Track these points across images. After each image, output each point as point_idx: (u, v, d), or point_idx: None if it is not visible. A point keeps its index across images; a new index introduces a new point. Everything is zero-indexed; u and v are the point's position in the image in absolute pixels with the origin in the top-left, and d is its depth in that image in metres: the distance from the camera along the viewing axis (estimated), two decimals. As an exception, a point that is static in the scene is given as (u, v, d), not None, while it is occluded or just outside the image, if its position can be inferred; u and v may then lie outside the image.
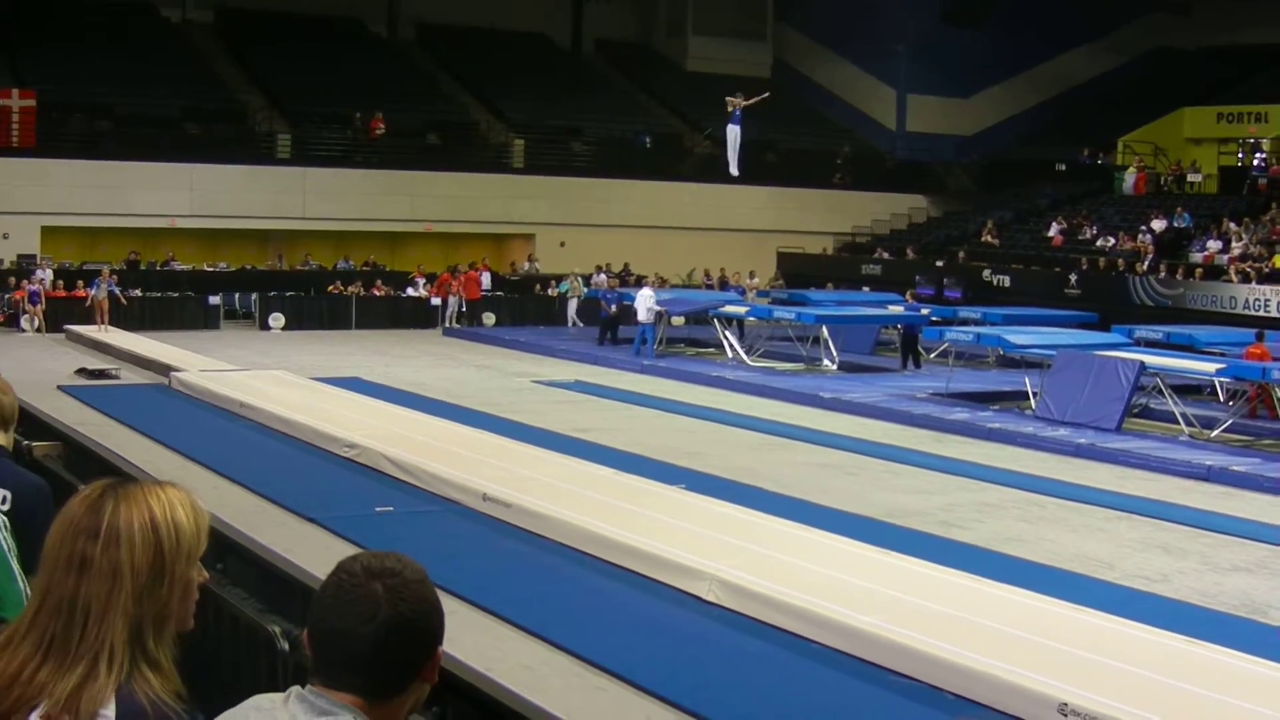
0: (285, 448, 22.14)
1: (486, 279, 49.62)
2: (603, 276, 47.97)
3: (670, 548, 14.94)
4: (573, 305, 48.41)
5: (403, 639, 3.11)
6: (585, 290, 48.78)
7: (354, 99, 53.03)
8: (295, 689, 3.17)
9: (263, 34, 56.31)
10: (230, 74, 55.45)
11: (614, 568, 15.02)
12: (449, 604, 12.70)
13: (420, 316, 47.09)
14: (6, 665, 3.29)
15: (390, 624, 3.08)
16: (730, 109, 42.44)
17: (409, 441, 21.27)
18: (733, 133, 42.34)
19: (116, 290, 41.85)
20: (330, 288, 47.76)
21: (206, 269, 48.60)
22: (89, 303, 40.70)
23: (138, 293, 44.25)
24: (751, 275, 50.72)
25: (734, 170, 42.73)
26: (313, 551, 14.41)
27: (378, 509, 17.64)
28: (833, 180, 60.19)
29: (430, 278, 48.34)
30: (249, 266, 49.55)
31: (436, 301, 47.29)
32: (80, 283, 43.36)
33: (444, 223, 51.88)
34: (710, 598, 13.82)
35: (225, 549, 15.31)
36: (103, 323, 39.63)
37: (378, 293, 47.88)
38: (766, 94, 43.24)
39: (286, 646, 7.93)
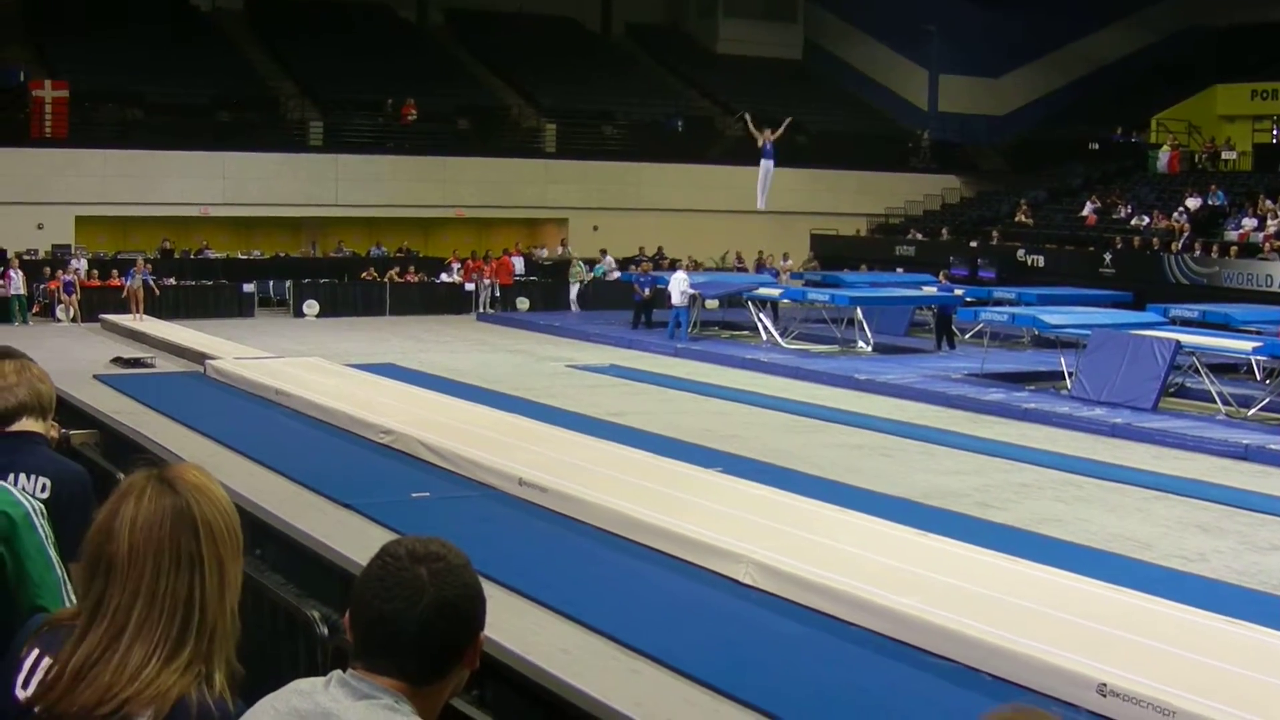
0: (321, 434, 22.18)
1: (520, 264, 49.64)
2: (632, 266, 47.86)
3: (706, 530, 14.94)
4: (574, 290, 48.22)
5: (446, 624, 3.12)
6: (589, 275, 48.72)
7: (385, 85, 53.07)
8: (336, 673, 3.18)
9: (293, 21, 56.36)
10: (261, 62, 55.51)
11: (650, 551, 15.03)
12: (485, 588, 12.75)
13: (454, 302, 47.11)
14: (119, 668, 3.31)
15: (434, 609, 3.09)
16: (761, 144, 42.30)
17: (444, 427, 21.29)
18: (765, 167, 42.19)
19: (151, 280, 41.53)
20: (364, 274, 47.83)
21: (240, 257, 48.70)
22: (124, 293, 40.62)
23: (172, 281, 44.38)
24: (785, 257, 50.67)
25: (761, 204, 42.62)
26: (350, 537, 14.44)
27: (414, 494, 17.66)
28: (910, 164, 60.31)
29: (465, 262, 48.41)
30: (282, 254, 49.61)
31: (470, 287, 47.32)
32: (115, 272, 43.49)
33: (476, 208, 51.89)
34: (746, 580, 13.82)
35: (263, 535, 15.37)
36: (138, 312, 39.34)
37: (411, 279, 47.92)
38: (790, 119, 43.01)
39: (325, 631, 7.95)
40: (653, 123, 58.17)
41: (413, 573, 3.11)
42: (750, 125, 43.10)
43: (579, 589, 13.72)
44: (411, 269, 48.49)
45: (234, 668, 3.50)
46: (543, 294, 48.61)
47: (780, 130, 41.99)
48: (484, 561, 12.98)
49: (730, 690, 10.93)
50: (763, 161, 42.20)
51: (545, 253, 52.43)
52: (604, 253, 51.11)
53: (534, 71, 58.31)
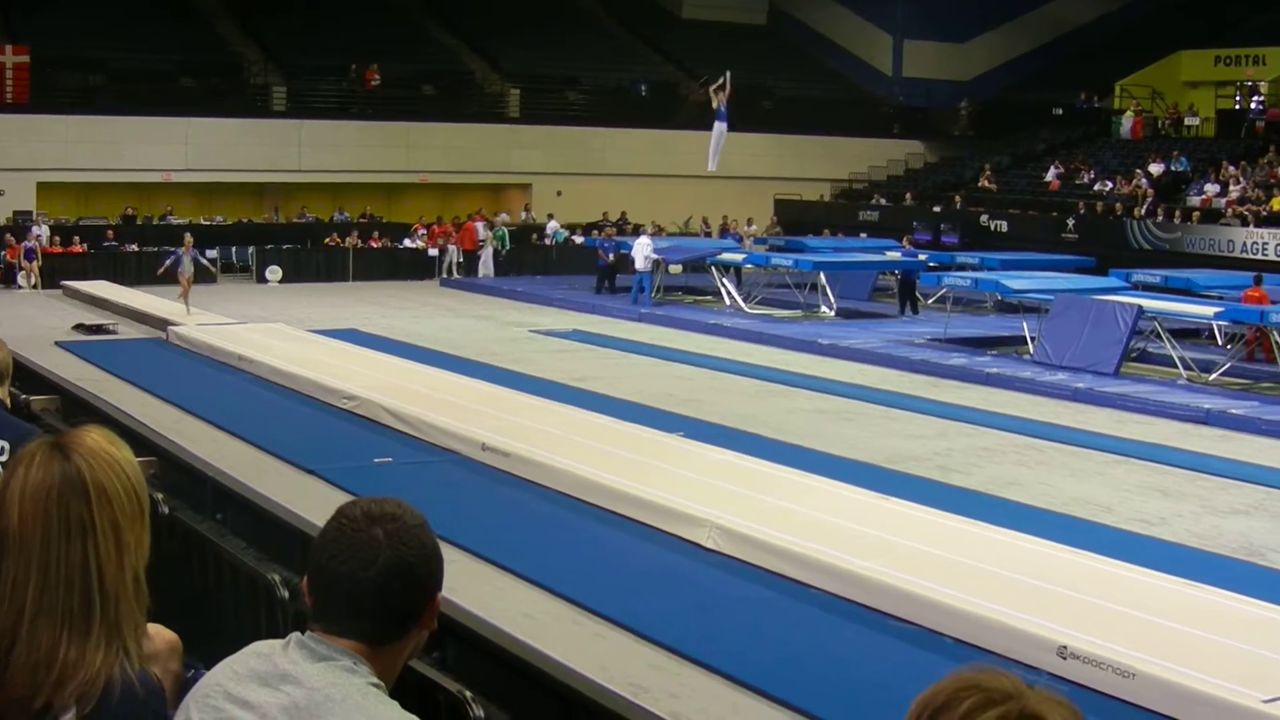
0: (284, 400, 22.17)
1: (483, 229, 49.55)
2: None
3: (669, 495, 14.99)
4: (486, 254, 48.02)
5: (403, 584, 3.10)
6: (507, 243, 48.41)
7: (349, 51, 52.84)
8: (295, 635, 3.17)
9: (258, -14, 56.18)
10: (224, 27, 55.23)
11: (613, 516, 15.07)
12: (449, 553, 12.72)
13: (417, 268, 47.02)
14: (33, 650, 3.20)
15: (390, 569, 3.07)
16: (715, 106, 42.24)
17: (407, 392, 21.30)
18: (718, 129, 42.13)
19: (201, 259, 37.15)
20: (327, 240, 47.73)
21: (203, 223, 48.49)
22: (164, 272, 34.87)
23: (134, 248, 44.23)
24: (750, 223, 50.67)
25: (712, 166, 42.53)
26: (312, 502, 14.44)
27: (377, 460, 17.68)
28: (875, 130, 60.29)
29: (430, 228, 48.36)
30: (245, 220, 49.44)
31: (434, 253, 47.24)
32: (77, 238, 43.40)
33: (440, 173, 51.75)
34: (710, 544, 13.87)
35: (225, 500, 15.37)
36: (186, 300, 33.00)
37: (375, 244, 47.85)
38: (728, 74, 42.77)
39: (286, 595, 7.96)
40: (617, 88, 58.06)
41: (369, 534, 3.10)
42: (713, 89, 42.97)
43: (542, 554, 13.75)
44: (375, 235, 48.41)
45: (145, 634, 3.41)
46: (507, 259, 48.52)
47: (728, 90, 41.85)
48: (447, 527, 13.08)
49: (694, 654, 10.98)
50: (716, 124, 42.14)
51: (506, 217, 52.25)
52: (550, 217, 51.07)
53: (498, 37, 58.12)
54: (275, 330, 28.92)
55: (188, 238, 35.87)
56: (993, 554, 13.30)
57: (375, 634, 3.12)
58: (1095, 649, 10.67)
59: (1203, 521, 16.76)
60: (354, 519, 3.13)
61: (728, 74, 42.04)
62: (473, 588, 12.09)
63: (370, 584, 3.07)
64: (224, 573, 9.07)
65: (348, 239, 47.64)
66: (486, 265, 47.42)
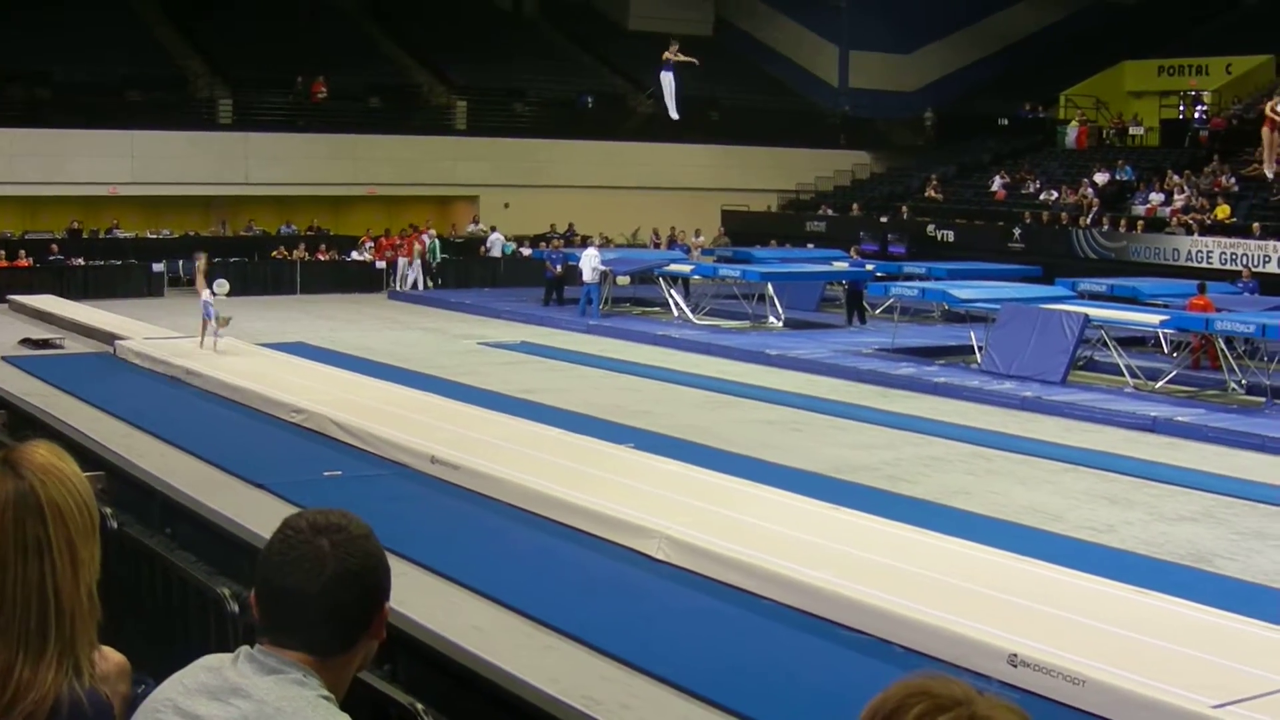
0: (232, 414, 22.11)
1: (431, 241, 49.47)
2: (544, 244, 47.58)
3: (619, 506, 15.00)
4: (402, 265, 47.36)
5: (350, 594, 3.09)
6: (438, 254, 48.11)
7: (295, 63, 52.72)
8: (244, 649, 3.16)
9: (203, -1, 56.00)
10: (170, 39, 55.02)
11: (563, 527, 15.08)
12: (399, 566, 12.73)
13: (365, 280, 46.92)
14: None
15: (337, 579, 3.06)
16: (664, 58, 42.13)
17: (356, 405, 21.27)
18: (666, 79, 41.94)
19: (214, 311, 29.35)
20: (274, 253, 47.58)
21: (150, 236, 48.29)
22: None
23: (80, 261, 44.07)
24: (698, 234, 50.73)
25: (674, 114, 42.29)
26: (261, 516, 14.40)
27: (326, 473, 17.65)
28: (821, 140, 60.37)
29: (378, 240, 48.27)
30: (192, 233, 49.22)
31: (381, 265, 47.15)
32: (23, 252, 43.20)
33: (387, 186, 51.67)
34: (659, 555, 13.88)
35: (174, 514, 15.32)
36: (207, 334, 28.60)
37: (322, 257, 47.75)
38: (696, 60, 42.64)
39: (236, 608, 7.94)
40: (564, 100, 58.08)
41: (314, 545, 3.08)
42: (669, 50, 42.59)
43: (492, 566, 13.75)
44: (322, 247, 48.31)
45: (98, 649, 3.37)
46: (455, 272, 48.42)
47: (685, 59, 41.61)
48: (397, 539, 13.05)
49: (644, 665, 10.98)
50: (662, 74, 41.94)
51: (483, 228, 52.18)
52: (493, 229, 51.01)
53: (445, 49, 58.07)
54: (223, 344, 28.81)
55: (200, 264, 32.17)
56: (942, 563, 13.33)
57: (324, 645, 3.10)
58: (1046, 656, 10.71)
59: (1151, 528, 16.85)
60: (299, 530, 3.12)
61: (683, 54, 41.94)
62: (423, 601, 12.07)
63: (317, 595, 3.06)
64: (173, 587, 9.05)
65: (295, 252, 47.51)
66: (415, 276, 47.13)
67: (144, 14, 55.29)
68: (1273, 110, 37.40)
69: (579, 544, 14.60)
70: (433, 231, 48.60)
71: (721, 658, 11.53)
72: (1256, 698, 10.18)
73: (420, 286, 46.42)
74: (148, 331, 30.57)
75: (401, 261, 46.81)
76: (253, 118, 50.89)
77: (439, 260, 47.86)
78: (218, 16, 54.74)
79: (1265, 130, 37.90)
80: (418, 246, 47.14)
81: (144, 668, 3.59)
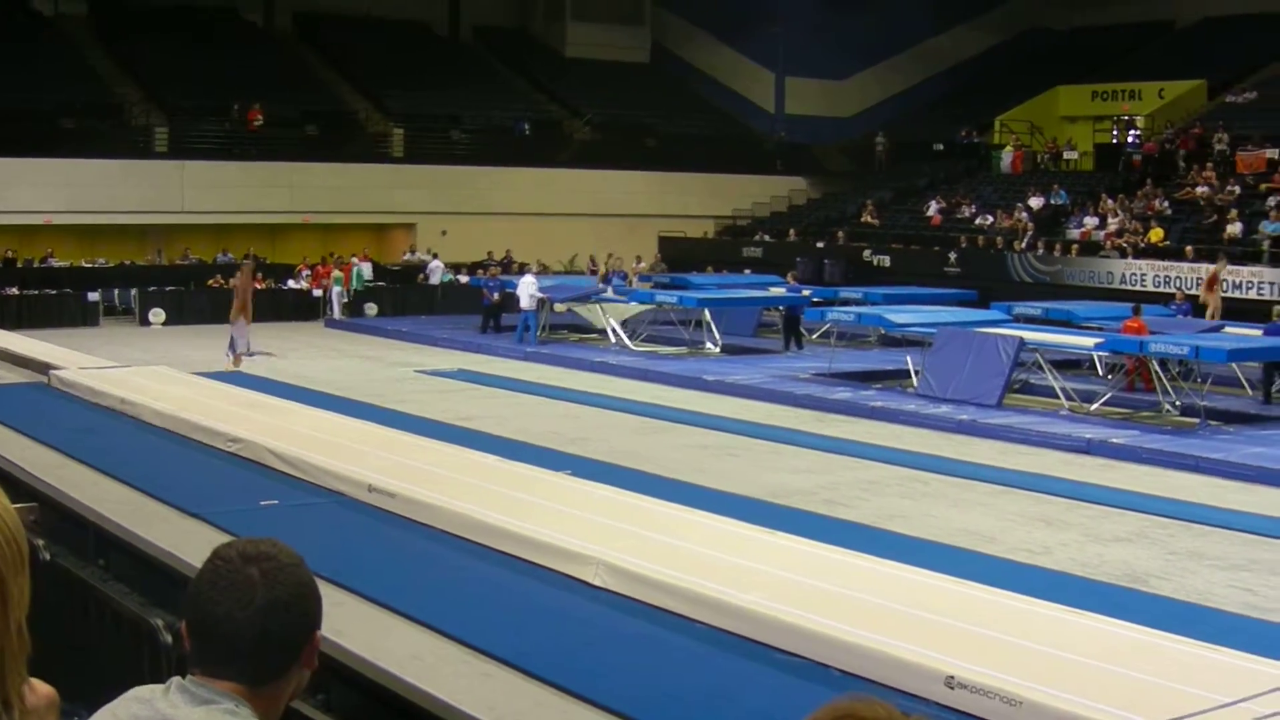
0: (168, 444, 21.96)
1: (368, 269, 49.37)
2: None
3: (556, 533, 14.96)
4: (336, 294, 47.25)
5: (280, 623, 3.09)
6: (361, 283, 47.91)
7: (231, 91, 52.59)
8: (176, 679, 3.15)
9: (137, 26, 55.59)
10: (105, 67, 54.82)
11: (501, 555, 15.03)
12: (337, 596, 12.71)
13: (302, 308, 46.80)
14: None
15: (267, 608, 3.06)
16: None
17: (293, 434, 21.17)
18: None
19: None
20: (211, 281, 47.40)
21: (85, 265, 48.09)
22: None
23: (14, 291, 43.85)
24: (638, 260, 50.80)
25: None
26: (197, 547, 14.30)
27: (263, 503, 17.55)
28: (758, 167, 60.50)
29: (315, 268, 48.17)
30: (128, 262, 49.04)
31: (318, 293, 47.05)
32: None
33: (324, 213, 51.56)
34: (597, 582, 13.86)
35: (108, 545, 15.24)
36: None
37: (259, 285, 47.58)
38: None
39: (170, 639, 7.91)
40: (501, 127, 58.09)
41: (244, 573, 3.09)
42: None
43: (430, 594, 13.70)
44: (259, 276, 48.16)
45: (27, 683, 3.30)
46: (392, 299, 48.33)
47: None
48: (334, 568, 13.04)
49: (582, 692, 10.96)
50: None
51: (420, 255, 52.07)
52: (434, 256, 50.95)
53: (382, 76, 58.05)
54: (159, 373, 28.65)
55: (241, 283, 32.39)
56: (878, 586, 13.36)
57: (255, 674, 3.10)
58: (982, 678, 10.74)
59: (1086, 550, 16.96)
60: (229, 560, 3.13)
61: None
62: (359, 629, 12.03)
63: (247, 624, 3.06)
64: (106, 619, 9.01)
65: (231, 280, 47.31)
66: (338, 303, 46.90)
67: (79, 41, 55.08)
68: (1217, 274, 37.29)
69: (516, 571, 14.57)
70: (355, 259, 48.39)
71: (660, 684, 11.53)
72: (1192, 716, 10.24)
73: (337, 314, 46.22)
74: (83, 361, 30.37)
75: (336, 290, 46.66)
76: (189, 146, 50.74)
77: (359, 288, 47.56)
78: (153, 44, 54.57)
79: (1205, 292, 37.79)
80: (336, 274, 46.97)
81: (75, 700, 3.58)
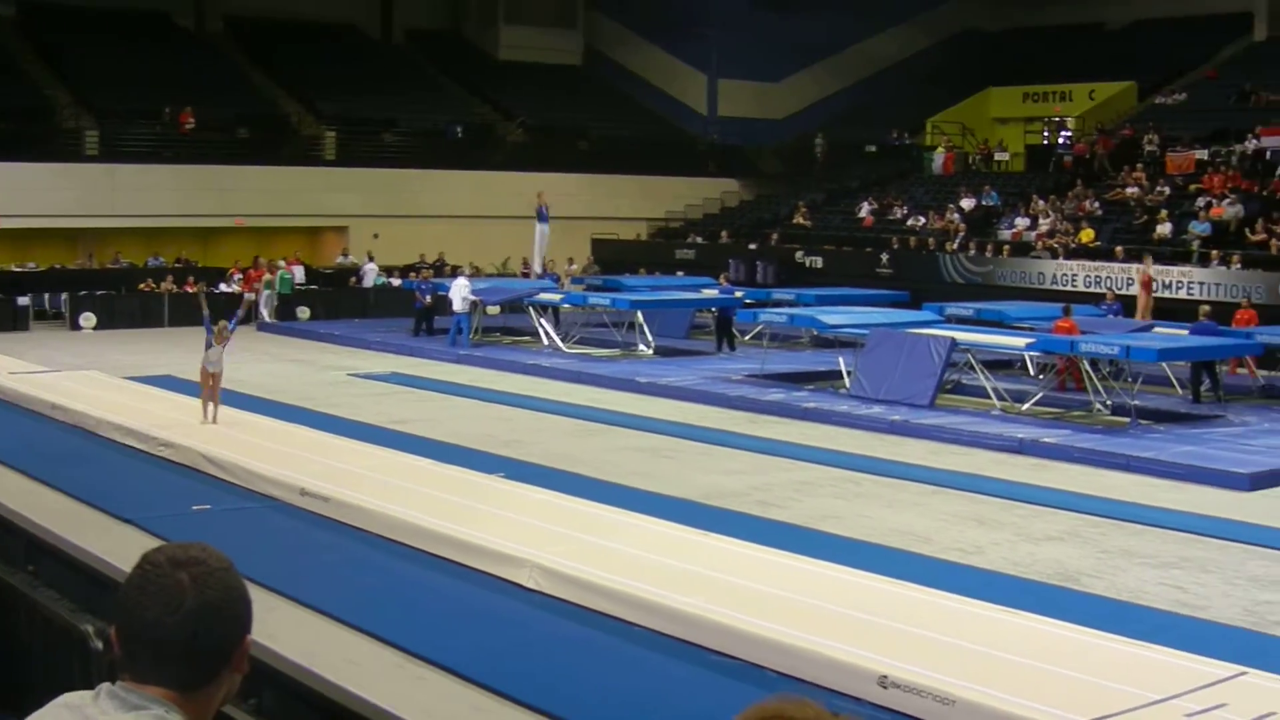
0: (99, 449, 21.88)
1: (300, 272, 49.17)
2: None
3: (490, 536, 14.98)
4: (265, 299, 46.70)
5: (210, 627, 3.07)
6: (289, 288, 47.51)
7: (162, 93, 52.25)
8: (105, 685, 3.13)
9: (68, 28, 55.21)
10: (35, 70, 54.36)
11: (435, 558, 15.04)
12: (269, 600, 12.67)
13: (235, 312, 46.52)
14: None
15: (197, 613, 3.04)
16: (537, 205, 42.46)
17: (225, 438, 21.12)
18: (541, 232, 42.37)
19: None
20: (142, 285, 47.12)
21: (14, 269, 47.74)
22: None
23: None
24: (570, 262, 50.75)
25: (536, 268, 42.78)
26: (129, 552, 14.19)
27: (195, 507, 17.50)
28: (691, 168, 60.52)
29: (247, 272, 47.91)
30: (58, 266, 48.71)
31: (251, 296, 46.84)
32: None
33: (256, 217, 51.27)
34: (531, 584, 13.88)
35: (38, 551, 15.14)
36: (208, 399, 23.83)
37: (190, 289, 47.33)
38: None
39: (100, 646, 7.86)
40: (433, 130, 57.93)
41: (173, 578, 3.06)
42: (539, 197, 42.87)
43: (363, 598, 13.69)
44: (191, 280, 47.88)
45: None
46: (324, 302, 48.13)
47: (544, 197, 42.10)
48: (267, 573, 13.00)
49: (517, 694, 10.97)
50: (538, 225, 42.32)
51: (353, 258, 51.88)
52: (370, 258, 50.76)
53: (314, 79, 57.79)
54: (90, 378, 28.53)
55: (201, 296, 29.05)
56: (813, 587, 13.41)
57: (185, 680, 3.08)
58: (916, 677, 10.80)
59: (1018, 549, 17.03)
60: (158, 565, 3.10)
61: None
62: (293, 634, 12.00)
63: (177, 629, 3.04)
64: (36, 625, 8.95)
65: (163, 284, 47.06)
66: (267, 307, 46.62)
67: (7, 44, 54.64)
68: (1147, 275, 37.58)
69: (451, 574, 14.57)
70: (281, 263, 48.09)
71: (594, 686, 11.54)
72: (1124, 713, 10.31)
73: (262, 317, 45.93)
74: (13, 366, 30.20)
75: (265, 294, 46.44)
76: (119, 149, 50.40)
77: (285, 291, 47.23)
78: (83, 47, 54.22)
79: (1140, 293, 38.01)
80: (266, 277, 46.73)
81: (5, 707, 3.57)
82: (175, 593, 3.05)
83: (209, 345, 23.83)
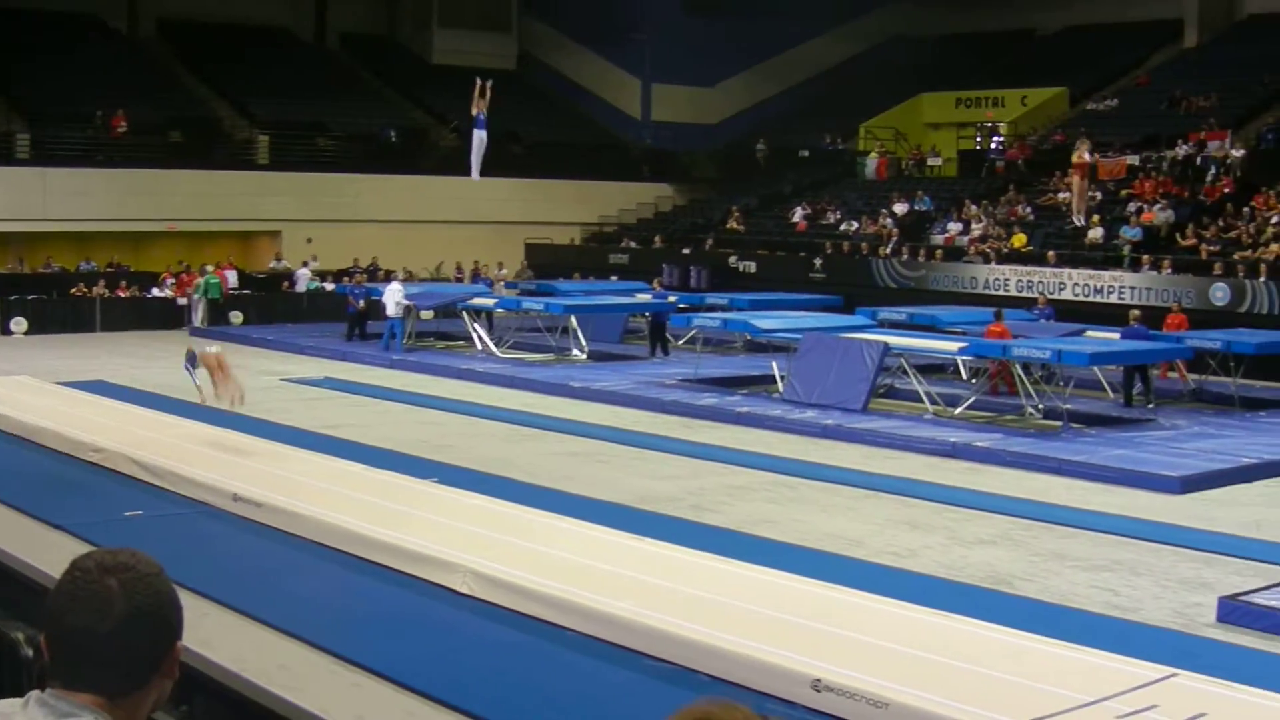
0: (30, 454, 21.73)
1: (233, 277, 48.96)
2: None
3: (423, 541, 14.96)
4: (200, 307, 46.43)
5: (139, 633, 3.06)
6: (212, 292, 47.11)
7: (94, 97, 51.94)
8: (34, 693, 3.12)
9: (-2, 31, 55.02)
10: (-37, 74, 54.13)
11: (368, 564, 15.00)
12: (201, 606, 12.61)
13: (167, 317, 46.33)
14: None
15: (126, 618, 3.03)
16: (475, 113, 42.08)
17: (157, 444, 21.01)
18: (479, 138, 42.02)
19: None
20: (73, 290, 46.86)
21: (-56, 274, 47.48)
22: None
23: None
24: (500, 267, 50.70)
25: (475, 175, 42.38)
26: (59, 558, 14.14)
27: (126, 513, 17.42)
28: (625, 173, 60.46)
29: (179, 276, 47.69)
30: (-11, 270, 48.47)
31: (183, 302, 46.61)
32: None
33: (189, 221, 51.02)
34: (464, 589, 13.86)
35: (-32, 559, 15.04)
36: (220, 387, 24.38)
37: (122, 294, 47.08)
38: (486, 87, 42.56)
39: (30, 653, 7.82)
40: (367, 134, 57.77)
41: (102, 584, 3.05)
42: (475, 96, 42.44)
43: (296, 604, 13.65)
44: (123, 284, 47.63)
45: None
46: (257, 307, 47.94)
47: (488, 96, 41.62)
48: (199, 579, 12.95)
49: (451, 700, 10.96)
50: (475, 132, 41.98)
51: (287, 263, 51.66)
52: (305, 262, 50.54)
53: (247, 83, 57.54)
54: (20, 383, 28.33)
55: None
56: (746, 591, 13.43)
57: (115, 686, 3.08)
58: (849, 681, 10.83)
59: (951, 552, 17.11)
60: (87, 570, 3.10)
61: (489, 81, 41.85)
62: (226, 640, 11.95)
63: (106, 635, 3.03)
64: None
65: (95, 289, 46.79)
66: (197, 313, 46.37)
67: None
68: (1080, 157, 38.01)
69: (384, 580, 14.54)
70: (210, 269, 47.78)
71: (528, 691, 11.54)
72: (1056, 715, 10.36)
73: (198, 323, 45.68)
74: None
75: (196, 299, 46.21)
76: (51, 152, 50.08)
77: (215, 297, 46.88)
78: (15, 50, 53.80)
79: (1075, 178, 38.46)
80: (198, 281, 46.50)
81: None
82: (104, 599, 3.04)
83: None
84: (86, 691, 3.07)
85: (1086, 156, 38.09)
